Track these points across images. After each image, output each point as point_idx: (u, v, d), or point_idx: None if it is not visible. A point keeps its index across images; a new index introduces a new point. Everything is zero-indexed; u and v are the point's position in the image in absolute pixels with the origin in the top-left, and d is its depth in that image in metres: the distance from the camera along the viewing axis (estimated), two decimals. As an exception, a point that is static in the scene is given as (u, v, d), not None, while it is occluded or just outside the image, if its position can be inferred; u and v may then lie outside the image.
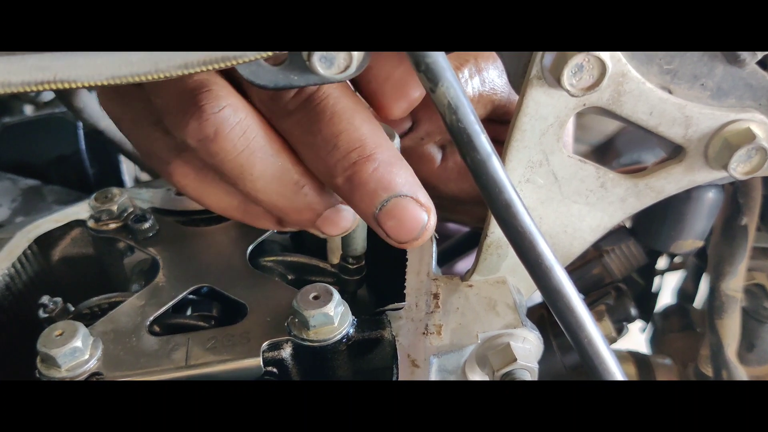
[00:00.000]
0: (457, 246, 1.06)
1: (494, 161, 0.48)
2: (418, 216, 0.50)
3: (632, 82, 0.53)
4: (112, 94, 0.56)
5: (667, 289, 0.98)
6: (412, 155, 0.77)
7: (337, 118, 0.50)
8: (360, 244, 0.63)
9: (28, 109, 1.14)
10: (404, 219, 0.50)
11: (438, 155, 0.78)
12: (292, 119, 0.51)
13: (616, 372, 0.50)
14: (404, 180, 0.50)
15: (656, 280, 0.93)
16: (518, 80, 0.55)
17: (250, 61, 0.45)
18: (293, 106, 0.51)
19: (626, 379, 0.51)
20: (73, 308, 0.64)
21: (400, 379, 0.53)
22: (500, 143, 0.78)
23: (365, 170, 0.49)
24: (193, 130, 0.50)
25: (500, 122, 0.79)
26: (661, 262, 0.93)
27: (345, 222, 0.54)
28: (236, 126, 0.50)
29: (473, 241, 1.01)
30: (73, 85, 0.43)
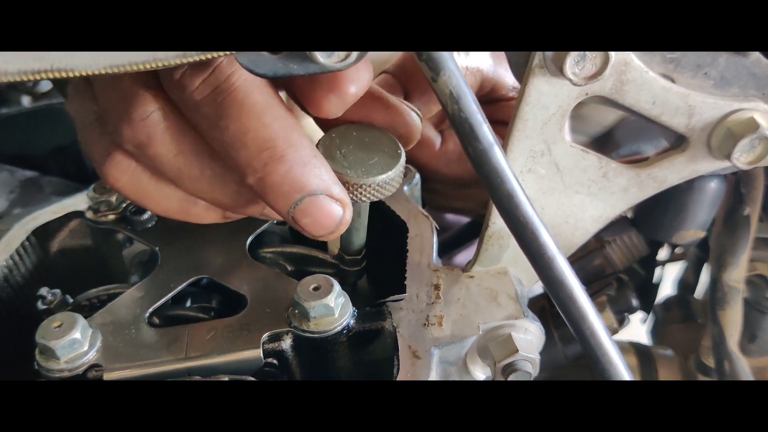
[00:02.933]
0: (456, 237, 1.06)
1: (496, 151, 0.47)
2: (332, 212, 0.49)
3: (635, 71, 0.53)
4: (72, 95, 0.56)
5: (668, 280, 0.97)
6: None
7: (245, 114, 0.48)
8: (357, 242, 0.62)
9: (26, 100, 1.14)
10: (319, 216, 0.49)
11: (437, 139, 0.78)
12: (200, 112, 0.49)
13: (619, 363, 0.50)
14: (318, 179, 0.49)
15: (657, 270, 0.93)
16: (520, 69, 0.54)
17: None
18: (199, 96, 0.48)
19: (628, 371, 0.51)
20: (71, 300, 0.63)
21: (401, 369, 0.53)
22: (491, 123, 0.78)
23: (277, 172, 0.48)
24: (127, 137, 0.50)
25: (488, 102, 0.79)
26: (662, 253, 0.93)
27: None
28: (167, 130, 0.50)
29: (472, 233, 1.01)
30: (71, 74, 0.42)
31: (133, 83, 0.50)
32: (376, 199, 0.54)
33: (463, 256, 1.24)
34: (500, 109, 0.79)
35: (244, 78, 0.48)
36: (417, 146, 0.76)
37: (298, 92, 0.52)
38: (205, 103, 0.48)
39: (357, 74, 0.50)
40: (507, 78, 0.78)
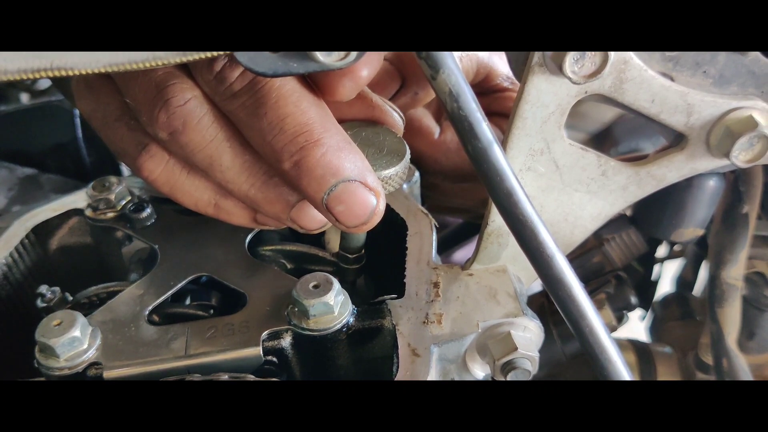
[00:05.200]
0: (454, 235, 1.06)
1: (495, 149, 0.47)
2: (366, 200, 0.50)
3: (634, 69, 0.53)
4: (83, 92, 0.56)
5: (666, 277, 0.98)
6: (410, 129, 0.77)
7: (283, 101, 0.49)
8: (357, 240, 0.62)
9: (24, 98, 1.14)
10: (353, 204, 0.49)
11: (436, 128, 0.78)
12: (237, 102, 0.50)
13: (618, 361, 0.50)
14: (352, 164, 0.50)
15: (656, 268, 0.93)
16: (520, 67, 0.54)
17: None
18: (238, 86, 0.50)
19: (627, 369, 0.51)
20: (71, 298, 0.63)
21: (400, 367, 0.53)
22: (486, 115, 0.79)
23: (313, 155, 0.49)
24: (162, 123, 0.50)
25: (483, 92, 0.80)
26: (661, 251, 0.93)
27: (321, 216, 0.54)
28: (203, 117, 0.51)
29: (470, 231, 1.01)
30: (70, 73, 0.42)
31: (167, 74, 0.51)
32: (388, 192, 0.54)
33: (462, 254, 1.25)
34: (496, 101, 0.80)
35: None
36: (415, 135, 0.77)
37: (312, 78, 0.52)
38: (243, 92, 0.50)
39: (369, 57, 0.51)
40: (501, 66, 0.79)
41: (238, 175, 0.52)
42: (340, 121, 0.55)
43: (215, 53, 0.44)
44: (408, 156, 0.55)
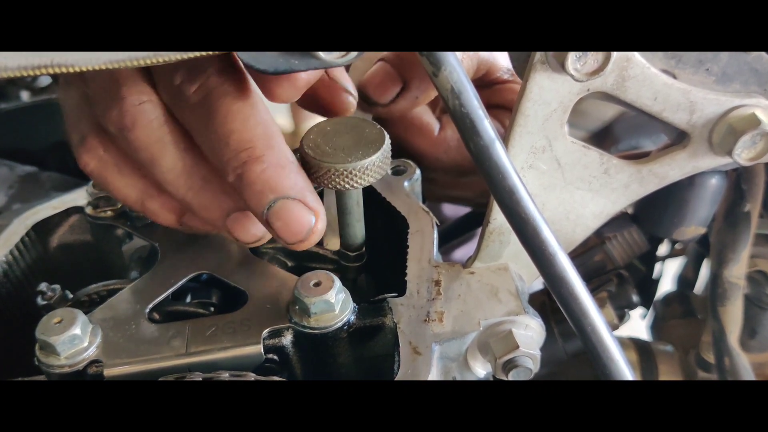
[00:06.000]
0: (453, 229, 1.05)
1: (497, 147, 0.47)
2: (304, 219, 0.51)
3: (637, 66, 0.52)
4: (62, 81, 0.60)
5: (667, 275, 0.97)
6: (410, 125, 0.77)
7: (232, 117, 0.51)
8: (357, 236, 0.62)
9: (25, 95, 1.14)
10: (290, 221, 0.51)
11: (436, 125, 0.78)
12: (194, 113, 0.52)
13: (620, 359, 0.50)
14: (293, 183, 0.51)
15: (657, 266, 0.93)
16: (522, 65, 0.54)
17: (250, 45, 0.44)
18: (194, 99, 0.52)
19: (629, 367, 0.51)
20: (71, 295, 0.63)
21: (401, 365, 0.53)
22: (487, 108, 0.79)
23: (253, 170, 0.50)
24: (114, 118, 0.53)
25: (484, 85, 0.80)
26: (662, 249, 0.92)
27: (255, 228, 0.55)
28: (153, 120, 0.53)
29: (469, 226, 1.00)
30: (71, 70, 0.42)
31: (129, 75, 0.53)
32: (366, 184, 0.55)
33: (462, 252, 1.24)
34: (496, 93, 0.80)
35: (235, 87, 0.52)
36: (416, 133, 0.77)
37: (255, 79, 0.54)
38: (198, 105, 0.52)
39: None
40: (501, 60, 0.80)
41: (176, 178, 0.54)
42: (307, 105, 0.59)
43: (215, 52, 0.44)
44: (387, 146, 0.56)
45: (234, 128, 0.51)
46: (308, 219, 0.51)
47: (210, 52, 0.44)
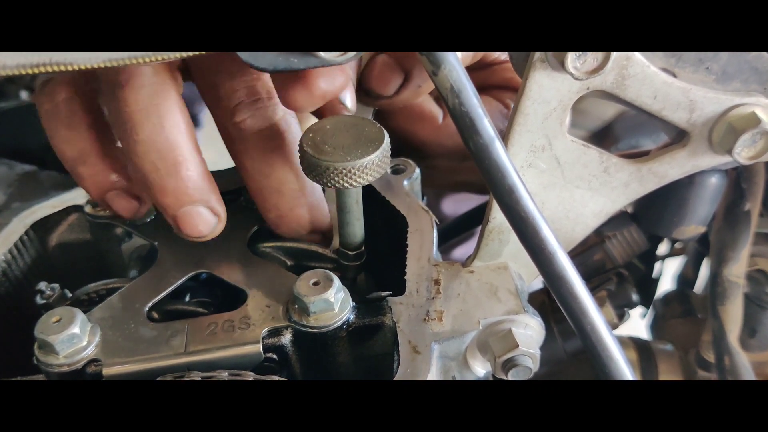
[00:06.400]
0: (452, 228, 1.05)
1: (497, 145, 0.47)
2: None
3: (637, 65, 0.52)
4: None
5: (667, 274, 0.97)
6: (413, 115, 0.77)
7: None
8: (356, 235, 0.62)
9: (24, 94, 1.13)
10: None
11: (439, 113, 0.78)
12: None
13: (620, 358, 0.50)
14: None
15: (657, 265, 0.93)
16: (521, 64, 0.54)
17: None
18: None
19: (629, 366, 0.51)
20: (70, 294, 0.63)
21: (401, 364, 0.53)
22: (485, 88, 0.79)
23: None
24: (109, 71, 0.53)
25: (481, 67, 0.80)
26: (662, 248, 0.92)
27: (203, 226, 0.57)
28: (148, 86, 0.53)
29: (468, 224, 1.00)
30: (69, 68, 0.42)
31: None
32: (365, 183, 0.55)
33: (461, 251, 1.24)
34: (494, 73, 0.80)
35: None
36: (419, 122, 0.77)
37: (277, 87, 0.55)
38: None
39: (331, 71, 0.53)
40: None
41: (146, 152, 0.54)
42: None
43: (211, 52, 0.44)
44: (386, 144, 0.55)
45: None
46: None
47: (206, 52, 0.44)
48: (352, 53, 0.46)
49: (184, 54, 0.44)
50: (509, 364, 0.54)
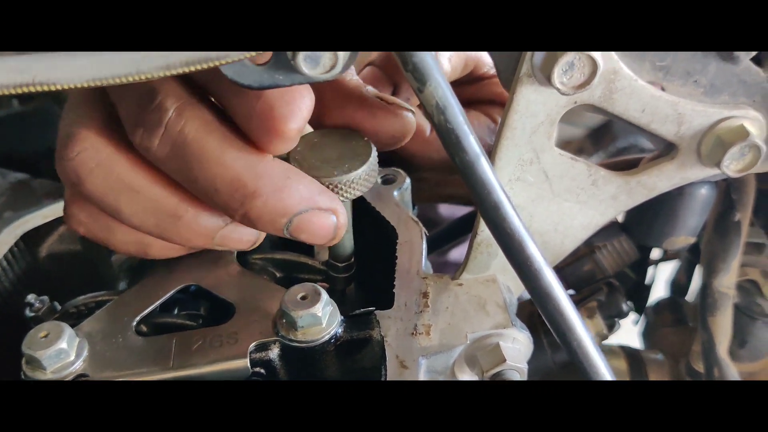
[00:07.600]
0: (449, 231, 1.05)
1: (483, 162, 0.47)
2: (324, 223, 0.51)
3: (624, 79, 0.52)
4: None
5: (660, 280, 0.97)
6: None
7: (206, 162, 0.48)
8: (345, 247, 0.62)
9: (16, 101, 1.13)
10: (313, 230, 0.51)
11: (428, 126, 0.78)
12: (169, 166, 0.50)
13: (606, 374, 0.50)
14: (298, 198, 0.50)
15: (649, 270, 0.93)
16: (508, 78, 0.54)
17: (233, 62, 0.44)
18: (162, 153, 0.49)
19: (616, 380, 0.51)
20: (59, 307, 0.63)
21: (388, 379, 0.53)
22: (474, 103, 0.79)
23: (255, 207, 0.49)
24: (62, 174, 0.52)
25: (470, 81, 0.80)
26: (655, 252, 0.92)
27: (249, 235, 0.55)
28: (95, 169, 0.50)
29: (466, 228, 1.00)
30: (53, 88, 0.42)
31: (74, 120, 0.52)
32: (353, 197, 0.55)
33: (458, 252, 1.24)
34: (483, 88, 0.80)
35: (195, 127, 0.49)
36: None
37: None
38: (168, 159, 0.49)
39: (292, 107, 0.49)
40: (485, 56, 0.80)
41: (142, 221, 0.52)
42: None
43: (198, 66, 0.44)
44: (374, 159, 0.55)
45: (216, 173, 0.48)
46: (328, 221, 0.52)
47: (194, 68, 0.44)
48: (337, 69, 0.46)
49: (173, 71, 0.44)
50: (497, 378, 0.54)
